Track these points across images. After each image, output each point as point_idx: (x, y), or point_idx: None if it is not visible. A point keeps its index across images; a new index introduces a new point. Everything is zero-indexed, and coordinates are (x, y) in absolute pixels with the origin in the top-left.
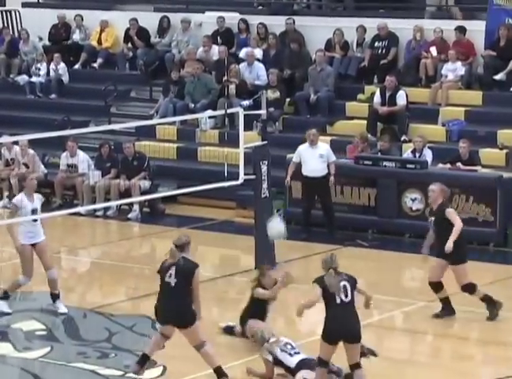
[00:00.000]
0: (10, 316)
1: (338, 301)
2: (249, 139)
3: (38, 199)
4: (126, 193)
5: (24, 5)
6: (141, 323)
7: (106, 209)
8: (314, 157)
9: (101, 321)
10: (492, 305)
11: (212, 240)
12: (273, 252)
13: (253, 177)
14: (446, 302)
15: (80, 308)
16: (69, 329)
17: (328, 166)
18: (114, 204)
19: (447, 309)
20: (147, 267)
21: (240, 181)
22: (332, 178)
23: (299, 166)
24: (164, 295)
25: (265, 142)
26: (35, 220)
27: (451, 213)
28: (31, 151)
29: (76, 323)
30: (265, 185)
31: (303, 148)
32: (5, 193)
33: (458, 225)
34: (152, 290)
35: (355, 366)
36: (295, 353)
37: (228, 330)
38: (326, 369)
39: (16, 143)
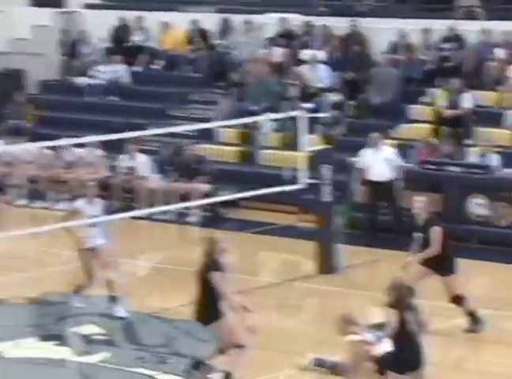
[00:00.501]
0: (69, 320)
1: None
2: (311, 142)
3: (99, 203)
4: (186, 197)
5: (86, 6)
6: (200, 328)
7: (165, 212)
8: (378, 161)
9: (160, 326)
10: (475, 322)
11: (274, 245)
12: (336, 257)
13: (316, 181)
14: None
15: (140, 312)
16: (128, 334)
17: (393, 170)
18: (173, 207)
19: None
20: None
21: (302, 185)
22: (399, 183)
23: (362, 171)
24: None
25: (329, 146)
26: (94, 224)
27: (435, 233)
28: (99, 152)
29: (135, 327)
30: (328, 190)
31: (367, 152)
32: (65, 196)
33: (434, 249)
34: None
35: None
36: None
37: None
38: None
39: (78, 145)
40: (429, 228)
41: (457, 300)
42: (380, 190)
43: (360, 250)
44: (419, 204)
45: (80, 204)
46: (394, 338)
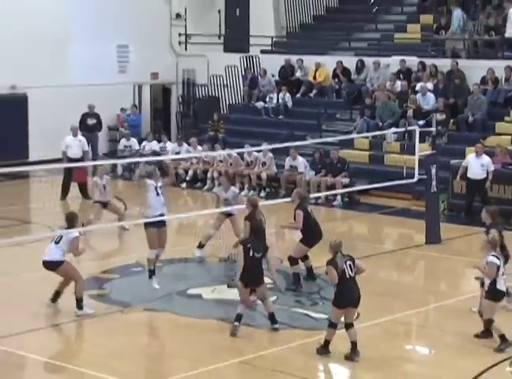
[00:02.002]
0: None
1: (347, 275)
2: (422, 149)
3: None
4: (332, 187)
5: (262, 51)
6: None
7: (317, 198)
8: (477, 165)
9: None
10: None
11: (394, 222)
12: (439, 232)
13: (425, 177)
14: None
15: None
16: (289, 284)
17: (487, 172)
18: (322, 194)
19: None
20: (347, 240)
21: (415, 179)
22: (488, 183)
23: (465, 169)
24: None
25: (434, 151)
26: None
27: None
28: (270, 155)
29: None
30: (433, 183)
31: (471, 157)
32: (246, 185)
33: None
34: None
35: (351, 325)
36: None
37: None
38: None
39: (256, 150)
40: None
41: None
42: (475, 185)
43: (458, 228)
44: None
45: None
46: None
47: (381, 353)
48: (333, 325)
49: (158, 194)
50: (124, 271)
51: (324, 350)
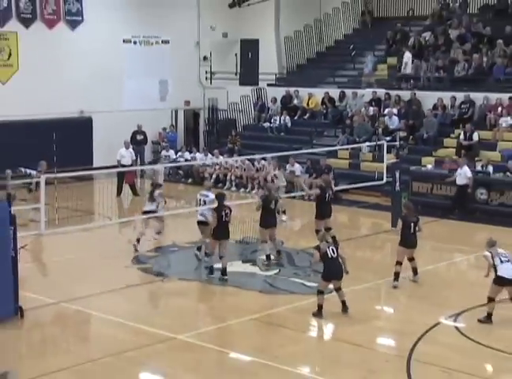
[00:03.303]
0: (258, 252)
1: (330, 256)
2: (389, 158)
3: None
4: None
5: (268, 85)
6: None
7: (309, 196)
8: (459, 174)
9: (306, 257)
10: None
11: (368, 214)
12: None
13: (391, 179)
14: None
15: (295, 249)
16: (289, 259)
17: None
18: (314, 193)
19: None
20: (334, 227)
21: (384, 181)
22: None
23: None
24: None
25: (398, 160)
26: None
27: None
28: (274, 162)
29: (293, 256)
30: (397, 184)
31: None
32: (256, 186)
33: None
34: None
35: (339, 289)
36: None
37: None
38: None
39: (263, 158)
40: None
41: None
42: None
43: None
44: None
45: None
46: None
47: (358, 313)
48: (321, 292)
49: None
50: (163, 250)
51: (318, 313)
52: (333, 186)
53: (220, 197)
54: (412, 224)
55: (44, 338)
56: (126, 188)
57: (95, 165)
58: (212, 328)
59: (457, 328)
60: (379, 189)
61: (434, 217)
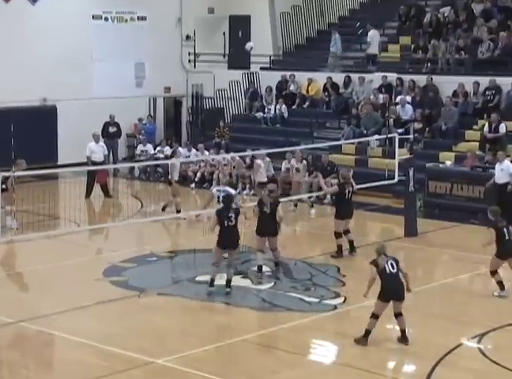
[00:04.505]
0: (250, 262)
1: (388, 272)
2: (401, 153)
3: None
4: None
5: (261, 68)
6: (331, 269)
7: (310, 197)
8: (498, 170)
9: (306, 267)
10: None
11: (377, 217)
12: (416, 226)
13: (403, 178)
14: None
15: (293, 258)
16: (286, 271)
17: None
18: (314, 194)
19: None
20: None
21: (395, 180)
22: (510, 187)
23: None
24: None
25: (412, 156)
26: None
27: None
28: (268, 159)
29: (290, 268)
30: (411, 184)
31: (496, 165)
32: (248, 185)
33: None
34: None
35: (399, 314)
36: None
37: None
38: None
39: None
40: None
41: None
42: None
43: (432, 222)
44: None
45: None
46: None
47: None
48: (375, 317)
49: None
50: (140, 260)
51: (363, 339)
52: (353, 182)
53: (226, 200)
54: None
55: (0, 364)
56: (97, 188)
57: (60, 162)
58: (196, 351)
59: (481, 350)
60: (390, 189)
61: (455, 222)
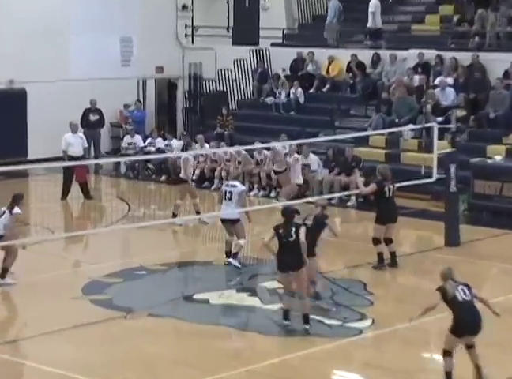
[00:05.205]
0: (259, 277)
1: (461, 300)
2: (441, 147)
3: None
4: (346, 187)
5: (273, 44)
6: (356, 286)
7: (330, 199)
8: None
9: (326, 283)
10: None
11: (411, 224)
12: (458, 234)
13: (444, 176)
14: None
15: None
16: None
17: None
18: (337, 195)
19: None
20: (361, 243)
21: (434, 179)
22: None
23: None
24: None
25: (454, 149)
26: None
27: None
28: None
29: None
30: (453, 183)
31: None
32: (256, 185)
33: None
34: (364, 262)
35: (471, 346)
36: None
37: None
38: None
39: (267, 148)
40: None
41: None
42: None
43: (479, 229)
44: None
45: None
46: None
47: (398, 362)
48: (448, 354)
49: None
50: (127, 275)
51: None
52: (393, 180)
53: (287, 213)
54: None
55: None
56: (76, 188)
57: (30, 156)
58: None
59: None
60: (427, 189)
61: (505, 229)
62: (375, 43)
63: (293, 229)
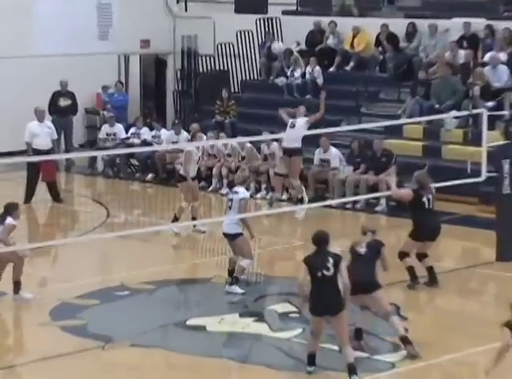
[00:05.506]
0: (267, 298)
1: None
2: (492, 138)
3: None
4: (374, 188)
5: (284, 12)
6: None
7: (355, 202)
8: None
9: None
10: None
11: (455, 233)
12: None
13: (495, 174)
14: None
15: None
16: None
17: None
18: (362, 197)
19: None
20: (393, 257)
21: (482, 178)
22: None
23: None
24: None
25: (508, 142)
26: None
27: None
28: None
29: None
30: (506, 183)
31: None
32: (263, 186)
33: None
34: (396, 280)
35: None
36: None
37: None
38: None
39: (275, 140)
40: None
41: None
42: None
43: None
44: None
45: None
46: None
47: None
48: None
49: None
50: (105, 295)
51: None
52: (432, 189)
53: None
54: None
55: None
56: (42, 189)
57: None
58: None
59: None
60: (475, 190)
61: None
62: (410, 11)
63: (331, 261)
